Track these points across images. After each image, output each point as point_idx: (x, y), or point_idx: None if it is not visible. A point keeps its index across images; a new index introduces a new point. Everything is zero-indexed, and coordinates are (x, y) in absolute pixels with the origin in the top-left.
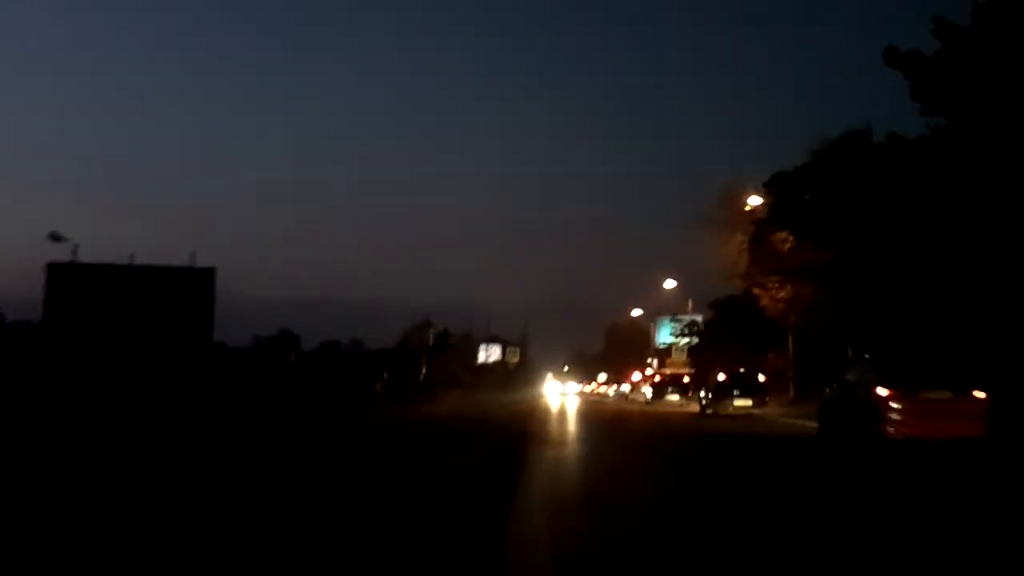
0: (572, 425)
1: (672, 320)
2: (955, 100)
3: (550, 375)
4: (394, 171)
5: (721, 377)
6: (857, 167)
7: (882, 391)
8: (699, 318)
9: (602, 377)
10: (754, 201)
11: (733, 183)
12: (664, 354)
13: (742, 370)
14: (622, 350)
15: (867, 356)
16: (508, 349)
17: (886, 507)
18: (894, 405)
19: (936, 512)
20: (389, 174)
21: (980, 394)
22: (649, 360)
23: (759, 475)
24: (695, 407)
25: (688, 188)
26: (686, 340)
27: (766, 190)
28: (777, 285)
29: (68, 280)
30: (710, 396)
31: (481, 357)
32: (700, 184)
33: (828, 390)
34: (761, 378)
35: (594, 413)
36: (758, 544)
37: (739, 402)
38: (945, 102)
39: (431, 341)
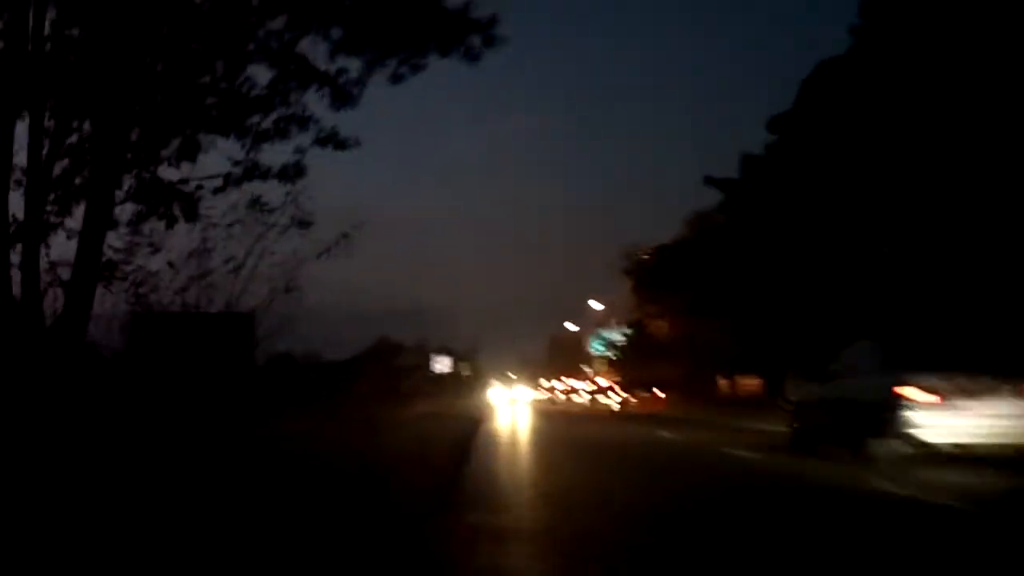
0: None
1: (598, 337)
2: (751, 210)
3: (495, 382)
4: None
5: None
6: (698, 245)
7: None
8: (619, 335)
9: (559, 384)
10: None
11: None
12: (599, 363)
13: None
14: (562, 359)
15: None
16: (460, 364)
17: None
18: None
19: None
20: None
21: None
22: (583, 368)
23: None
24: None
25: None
26: (607, 353)
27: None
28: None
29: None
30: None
31: (434, 367)
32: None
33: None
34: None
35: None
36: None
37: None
38: (744, 211)
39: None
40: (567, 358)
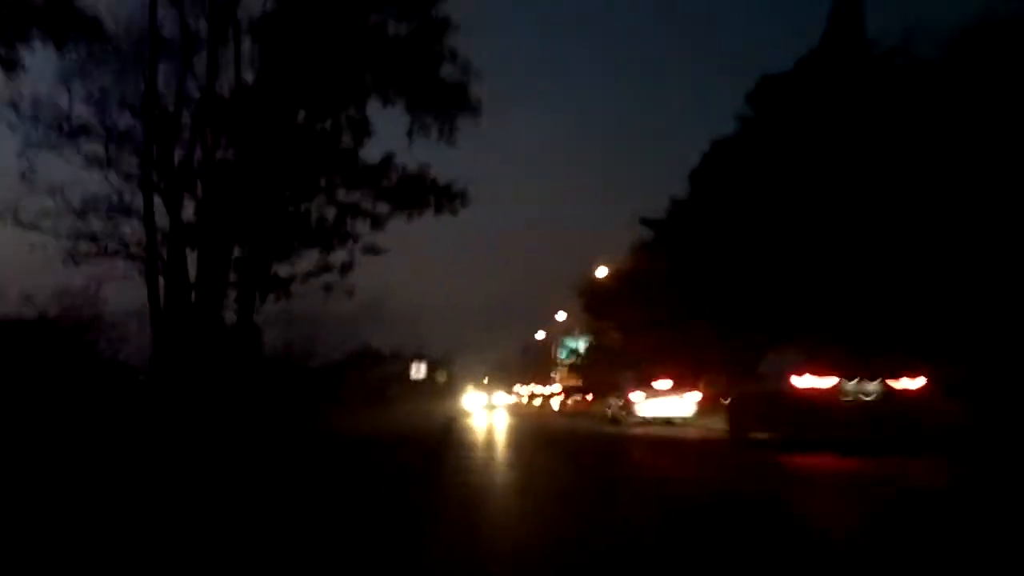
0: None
1: (563, 345)
2: (677, 244)
3: (471, 387)
4: None
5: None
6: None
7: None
8: (583, 343)
9: (524, 390)
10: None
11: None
12: (562, 370)
13: None
14: (534, 365)
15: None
16: (436, 371)
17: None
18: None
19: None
20: None
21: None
22: (552, 374)
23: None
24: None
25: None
26: (570, 360)
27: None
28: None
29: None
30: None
31: (413, 373)
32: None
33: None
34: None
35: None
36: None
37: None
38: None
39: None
40: (538, 364)
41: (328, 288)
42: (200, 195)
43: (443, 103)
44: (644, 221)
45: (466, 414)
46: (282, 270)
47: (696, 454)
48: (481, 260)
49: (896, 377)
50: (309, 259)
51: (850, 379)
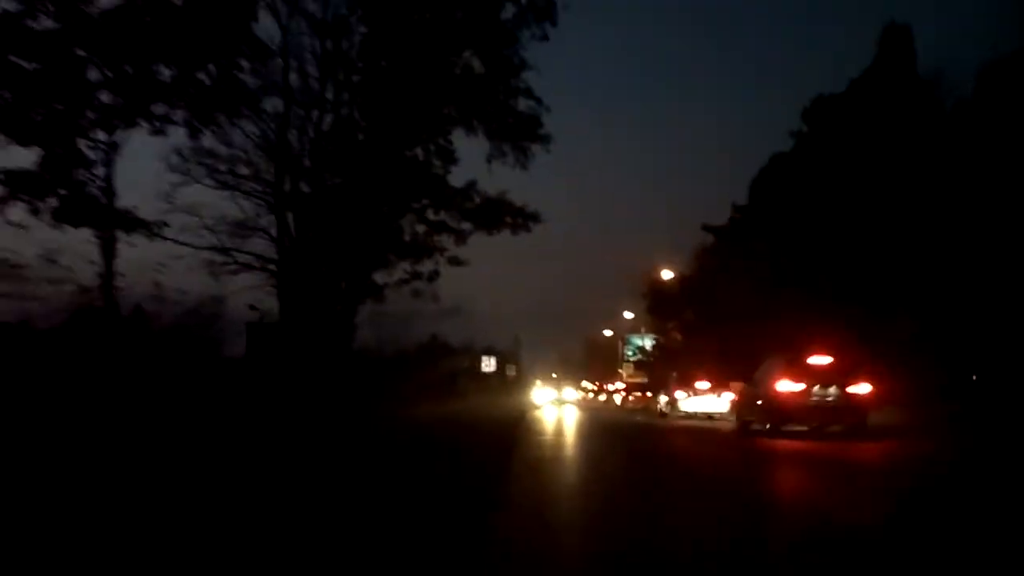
0: None
1: (629, 343)
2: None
3: (539, 382)
4: None
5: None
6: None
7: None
8: (649, 341)
9: (590, 385)
10: (665, 274)
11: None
12: (627, 367)
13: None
14: (600, 361)
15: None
16: (506, 364)
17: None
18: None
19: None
20: None
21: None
22: (619, 370)
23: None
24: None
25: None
26: (636, 357)
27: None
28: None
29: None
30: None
31: (483, 367)
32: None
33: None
34: None
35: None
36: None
37: None
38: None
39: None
40: (605, 361)
41: (417, 293)
42: (314, 216)
43: (518, 133)
44: (706, 227)
45: (535, 407)
46: (379, 277)
47: (711, 439)
48: (551, 259)
49: (850, 384)
50: (402, 268)
51: (814, 385)
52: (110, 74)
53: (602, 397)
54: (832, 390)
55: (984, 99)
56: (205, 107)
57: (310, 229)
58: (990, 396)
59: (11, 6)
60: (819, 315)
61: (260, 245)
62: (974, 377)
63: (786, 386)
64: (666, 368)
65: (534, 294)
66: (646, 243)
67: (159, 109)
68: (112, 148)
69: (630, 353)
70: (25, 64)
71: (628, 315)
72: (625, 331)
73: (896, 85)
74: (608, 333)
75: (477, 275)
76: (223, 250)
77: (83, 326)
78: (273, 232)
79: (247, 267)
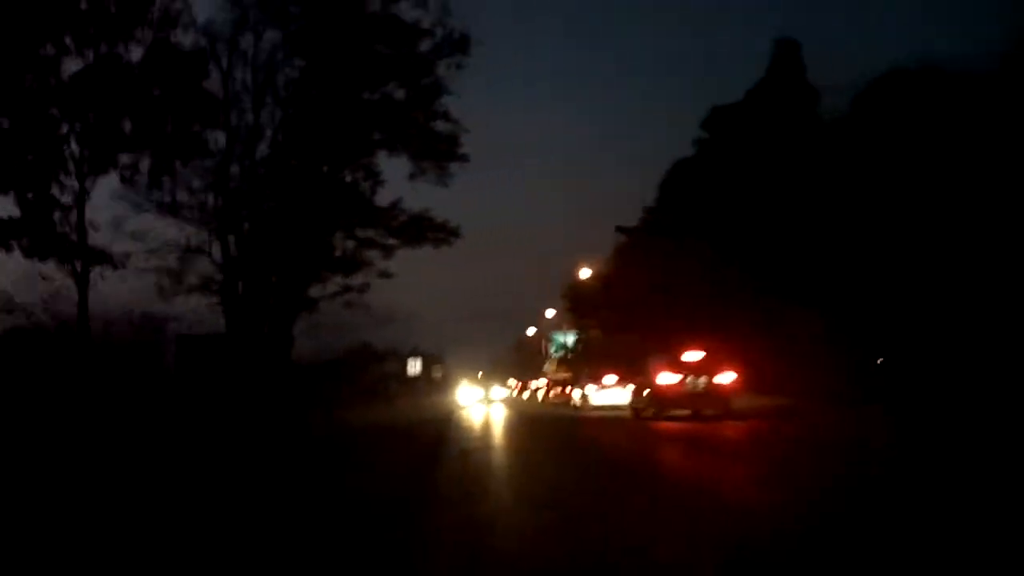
0: None
1: (552, 340)
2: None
3: (465, 382)
4: None
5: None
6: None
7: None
8: (572, 338)
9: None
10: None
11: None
12: (551, 363)
13: None
14: (528, 359)
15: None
16: (432, 367)
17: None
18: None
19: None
20: None
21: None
22: (544, 367)
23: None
24: None
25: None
26: (560, 354)
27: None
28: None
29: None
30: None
31: (409, 370)
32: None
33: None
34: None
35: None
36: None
37: None
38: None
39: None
40: (531, 359)
41: (349, 304)
42: (247, 236)
43: (438, 154)
44: (619, 228)
45: (461, 406)
46: (314, 292)
47: (609, 424)
48: (476, 261)
49: (715, 374)
50: (335, 282)
51: (687, 376)
52: (79, 129)
53: (526, 394)
54: (702, 380)
55: (859, 111)
56: (165, 156)
57: (250, 250)
58: (891, 378)
59: None
60: (721, 311)
61: (205, 267)
62: (879, 361)
63: (665, 378)
64: (588, 364)
65: (460, 296)
66: (567, 244)
67: (125, 159)
68: (83, 193)
69: (553, 350)
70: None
71: (550, 313)
72: (549, 329)
73: (785, 96)
74: (532, 331)
75: (404, 278)
76: (171, 272)
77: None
78: (216, 255)
79: (195, 288)
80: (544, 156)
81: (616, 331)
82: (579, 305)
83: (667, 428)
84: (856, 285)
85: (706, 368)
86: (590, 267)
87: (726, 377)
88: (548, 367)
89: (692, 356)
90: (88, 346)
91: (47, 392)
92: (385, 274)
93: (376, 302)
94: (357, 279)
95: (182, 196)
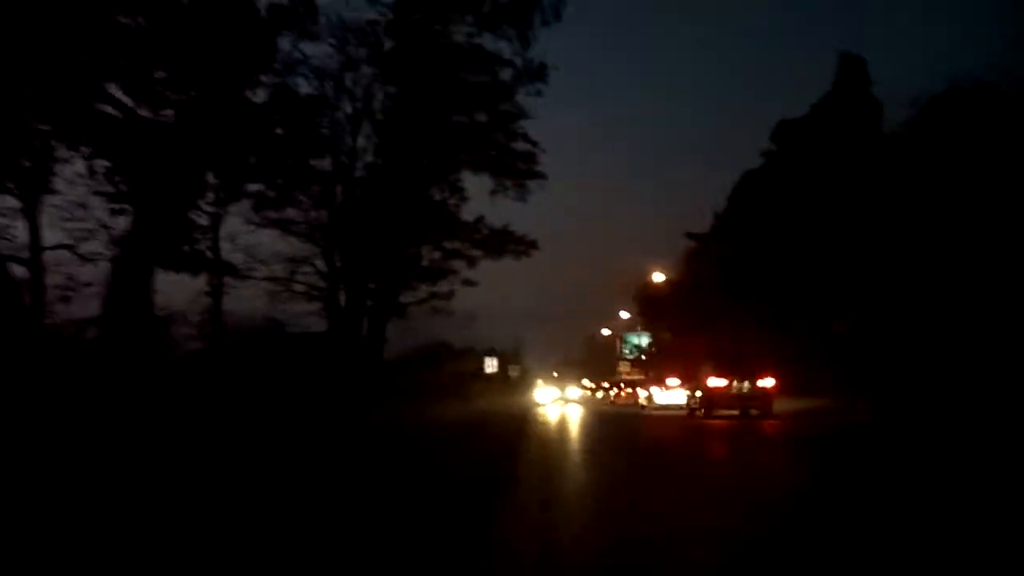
0: None
1: (626, 341)
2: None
3: (540, 381)
4: None
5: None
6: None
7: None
8: (645, 339)
9: (589, 383)
10: (656, 277)
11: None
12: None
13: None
14: (601, 359)
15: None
16: (509, 365)
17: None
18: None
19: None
20: None
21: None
22: (617, 368)
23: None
24: None
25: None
26: (633, 355)
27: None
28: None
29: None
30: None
31: (486, 368)
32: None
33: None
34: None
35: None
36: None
37: None
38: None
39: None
40: (605, 359)
41: (435, 310)
42: (348, 248)
43: (517, 172)
44: (689, 235)
45: (538, 405)
46: (404, 298)
47: (667, 422)
48: (553, 263)
49: (759, 379)
50: (423, 290)
51: (733, 380)
52: (217, 162)
53: (599, 394)
54: (746, 384)
55: (919, 127)
56: (286, 186)
57: (350, 261)
58: (913, 387)
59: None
60: (778, 319)
61: (310, 276)
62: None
63: (714, 381)
64: (657, 366)
65: (536, 297)
66: (642, 247)
67: (252, 187)
68: (218, 217)
69: (627, 351)
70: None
71: (624, 315)
72: (622, 330)
73: (851, 110)
74: (606, 332)
75: (482, 278)
76: (280, 281)
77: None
78: (320, 265)
79: (301, 294)
80: (620, 162)
81: (685, 334)
82: (650, 308)
83: (713, 424)
84: (906, 294)
85: (750, 373)
86: (662, 271)
87: (767, 381)
88: (622, 367)
89: (735, 362)
90: (227, 344)
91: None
92: (469, 282)
93: (457, 303)
94: (443, 287)
95: (292, 213)
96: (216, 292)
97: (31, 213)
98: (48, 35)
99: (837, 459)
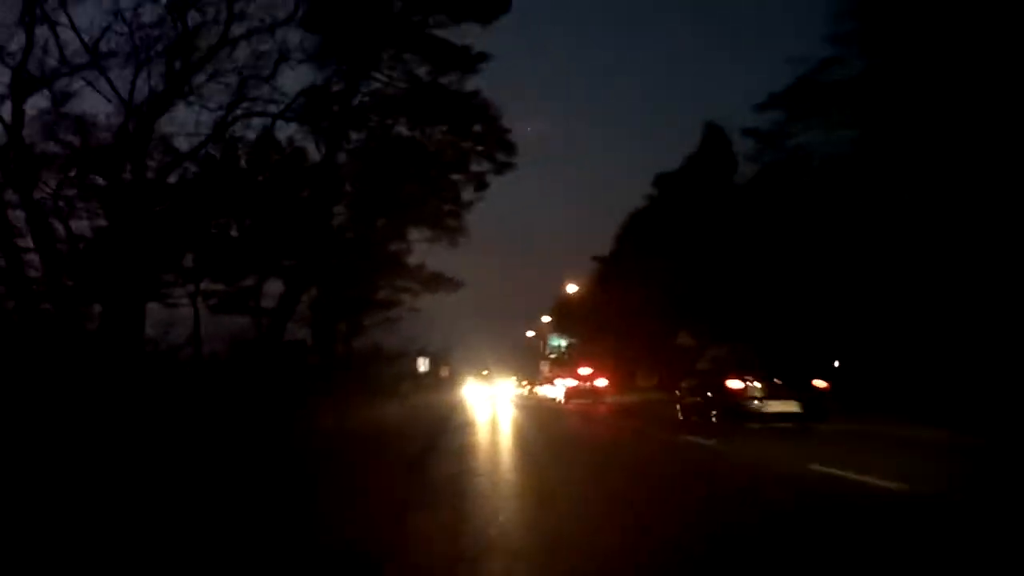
0: None
1: (549, 343)
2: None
3: (470, 378)
4: None
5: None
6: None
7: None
8: (564, 342)
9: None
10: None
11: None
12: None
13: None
14: (529, 359)
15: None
16: (440, 365)
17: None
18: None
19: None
20: None
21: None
22: (540, 367)
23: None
24: None
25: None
26: (554, 355)
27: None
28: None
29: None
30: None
31: (419, 368)
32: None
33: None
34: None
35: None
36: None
37: None
38: (611, 277)
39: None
40: (530, 357)
41: (387, 328)
42: (330, 287)
43: (450, 231)
44: (594, 258)
45: (467, 400)
46: (366, 320)
47: (550, 405)
48: (477, 264)
49: (595, 380)
50: (380, 315)
51: (584, 382)
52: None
53: (524, 390)
54: (588, 384)
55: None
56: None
57: (328, 295)
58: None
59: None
60: (645, 332)
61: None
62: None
63: (569, 382)
64: (571, 365)
65: (467, 303)
66: (560, 262)
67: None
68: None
69: (551, 352)
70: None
71: (546, 319)
72: (546, 332)
73: (712, 165)
74: (531, 334)
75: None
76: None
77: None
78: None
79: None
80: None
81: (588, 340)
82: (565, 315)
83: (571, 407)
84: (740, 316)
85: (593, 376)
86: (575, 284)
87: (600, 382)
88: (544, 366)
89: (584, 371)
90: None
91: None
92: (414, 308)
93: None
94: (394, 312)
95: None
96: (260, 327)
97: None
98: None
99: (611, 415)
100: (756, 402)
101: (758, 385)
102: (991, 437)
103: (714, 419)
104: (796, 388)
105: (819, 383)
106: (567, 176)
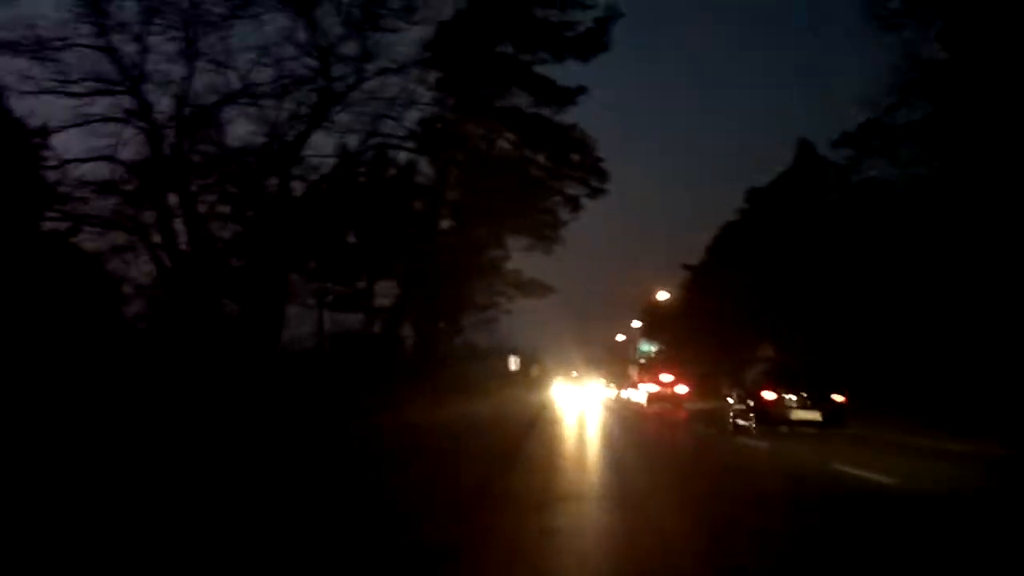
0: None
1: (638, 348)
2: (705, 288)
3: (559, 378)
4: None
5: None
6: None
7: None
8: (654, 347)
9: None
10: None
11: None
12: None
13: None
14: (618, 361)
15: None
16: (531, 364)
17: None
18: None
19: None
20: None
21: (838, 397)
22: (629, 369)
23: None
24: None
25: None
26: (642, 360)
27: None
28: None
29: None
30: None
31: (510, 367)
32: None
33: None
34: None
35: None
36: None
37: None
38: (700, 288)
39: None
40: (620, 360)
41: (483, 328)
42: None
43: (545, 238)
44: (685, 266)
45: (555, 399)
46: (464, 322)
47: (633, 407)
48: (575, 278)
49: (676, 386)
50: (477, 317)
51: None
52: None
53: (611, 390)
54: (669, 391)
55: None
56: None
57: (430, 296)
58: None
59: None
60: (729, 343)
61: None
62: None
63: (651, 387)
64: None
65: (560, 306)
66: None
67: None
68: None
69: (639, 356)
70: None
71: (636, 324)
72: (636, 336)
73: (804, 182)
74: (621, 338)
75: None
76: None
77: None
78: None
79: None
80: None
81: (675, 347)
82: (654, 321)
83: (652, 411)
84: (827, 329)
85: (675, 383)
86: (666, 291)
87: (680, 388)
88: (632, 370)
89: (666, 378)
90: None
91: None
92: (507, 311)
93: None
94: (490, 315)
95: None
96: (368, 323)
97: None
98: None
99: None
100: (786, 411)
101: (791, 397)
102: (980, 442)
103: (753, 424)
104: (819, 400)
105: (837, 397)
106: (662, 184)
